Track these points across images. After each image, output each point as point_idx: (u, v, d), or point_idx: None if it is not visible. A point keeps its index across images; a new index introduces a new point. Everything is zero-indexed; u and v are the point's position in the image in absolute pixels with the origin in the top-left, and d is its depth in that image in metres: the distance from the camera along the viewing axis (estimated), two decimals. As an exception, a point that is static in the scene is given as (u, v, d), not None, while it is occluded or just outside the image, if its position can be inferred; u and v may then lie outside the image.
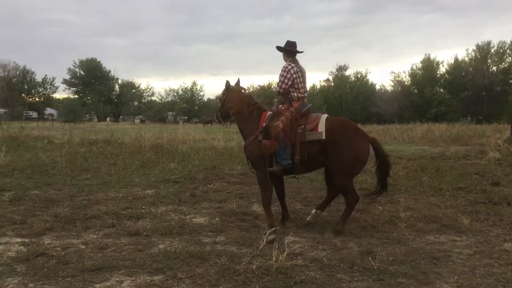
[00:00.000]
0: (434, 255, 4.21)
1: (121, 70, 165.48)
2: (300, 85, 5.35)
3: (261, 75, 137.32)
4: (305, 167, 5.27)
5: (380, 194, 5.43)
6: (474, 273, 3.77)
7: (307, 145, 5.07)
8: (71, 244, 4.61)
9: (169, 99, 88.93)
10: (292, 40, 5.50)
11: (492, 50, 62.91)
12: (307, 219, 5.51)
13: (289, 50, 5.42)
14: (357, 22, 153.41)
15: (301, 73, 5.36)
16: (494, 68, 63.07)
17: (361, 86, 71.80)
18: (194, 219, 5.67)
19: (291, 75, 5.27)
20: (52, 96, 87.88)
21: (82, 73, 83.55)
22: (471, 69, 63.28)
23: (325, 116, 5.24)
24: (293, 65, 5.34)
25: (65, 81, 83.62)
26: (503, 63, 62.58)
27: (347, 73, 76.51)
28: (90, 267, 3.85)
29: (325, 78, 78.28)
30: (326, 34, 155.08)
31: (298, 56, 5.51)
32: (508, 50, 62.24)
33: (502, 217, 5.57)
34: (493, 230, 5.12)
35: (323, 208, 5.62)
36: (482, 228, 5.16)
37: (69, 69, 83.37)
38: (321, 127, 5.06)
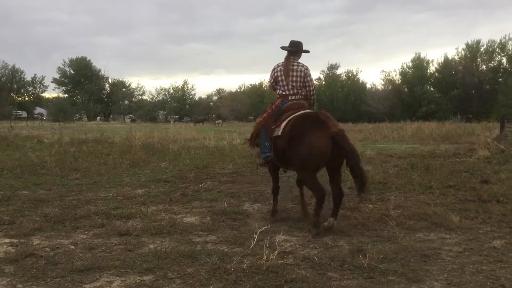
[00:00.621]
0: (424, 253, 4.23)
1: (113, 69, 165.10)
2: (282, 82, 5.45)
3: (254, 74, 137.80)
4: (283, 163, 5.41)
5: (359, 194, 4.98)
6: (463, 271, 3.79)
7: (276, 141, 5.22)
8: (60, 244, 4.56)
9: (160, 98, 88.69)
10: (296, 39, 5.66)
11: (482, 49, 63.39)
12: (325, 224, 4.98)
13: (287, 50, 5.59)
14: (349, 21, 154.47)
15: (286, 70, 5.42)
16: (484, 66, 63.57)
17: (352, 85, 72.07)
18: (185, 219, 5.64)
19: (274, 73, 5.51)
20: (42, 95, 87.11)
21: (72, 72, 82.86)
22: (461, 67, 63.73)
23: (301, 112, 5.14)
24: (280, 63, 5.53)
25: (54, 80, 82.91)
26: (492, 62, 63.12)
27: (338, 72, 76.87)
28: (79, 268, 3.81)
29: (316, 77, 78.42)
30: (319, 33, 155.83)
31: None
32: (498, 49, 62.78)
33: (491, 215, 5.61)
34: (482, 227, 5.15)
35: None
36: (471, 225, 5.19)
37: (59, 68, 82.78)
38: (283, 124, 5.12)
